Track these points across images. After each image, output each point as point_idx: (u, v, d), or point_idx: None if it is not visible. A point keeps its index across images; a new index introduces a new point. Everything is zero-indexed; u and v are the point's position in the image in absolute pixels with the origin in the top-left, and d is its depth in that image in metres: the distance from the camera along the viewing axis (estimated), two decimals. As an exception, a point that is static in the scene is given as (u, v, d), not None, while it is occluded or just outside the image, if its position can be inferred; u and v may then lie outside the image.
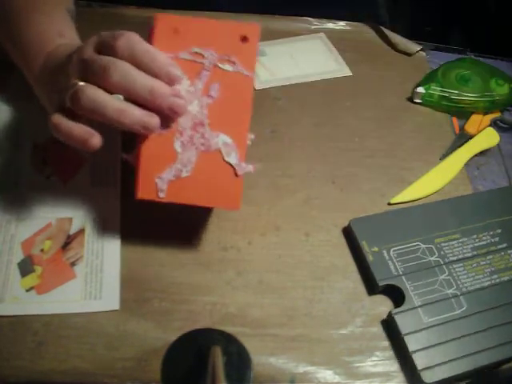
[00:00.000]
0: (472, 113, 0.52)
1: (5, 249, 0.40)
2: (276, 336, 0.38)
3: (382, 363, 0.37)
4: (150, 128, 0.35)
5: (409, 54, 0.58)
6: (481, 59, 0.57)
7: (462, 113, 0.53)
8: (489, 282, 0.41)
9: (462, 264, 0.41)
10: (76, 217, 0.42)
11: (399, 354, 0.37)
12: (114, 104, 0.33)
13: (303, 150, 0.49)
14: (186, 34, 0.37)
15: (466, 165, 0.49)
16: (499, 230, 0.44)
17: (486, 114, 0.52)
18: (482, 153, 0.50)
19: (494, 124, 0.52)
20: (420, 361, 0.36)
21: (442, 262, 0.41)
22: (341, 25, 0.61)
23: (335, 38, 0.59)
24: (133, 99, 0.34)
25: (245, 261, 0.42)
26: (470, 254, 0.42)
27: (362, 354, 0.38)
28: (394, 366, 0.37)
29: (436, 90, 0.52)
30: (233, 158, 0.37)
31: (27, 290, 0.38)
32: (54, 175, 0.45)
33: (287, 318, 0.39)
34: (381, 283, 0.40)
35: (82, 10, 0.57)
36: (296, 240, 0.43)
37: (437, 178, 0.47)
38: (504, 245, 0.43)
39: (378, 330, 0.39)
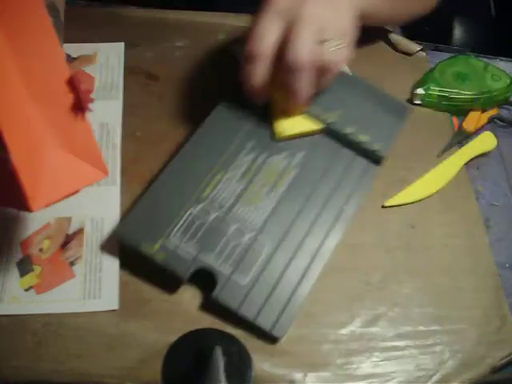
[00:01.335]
0: (470, 110, 0.52)
1: (4, 248, 0.40)
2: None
3: (381, 364, 0.38)
4: None
5: (409, 54, 0.58)
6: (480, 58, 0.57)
7: (462, 111, 0.53)
8: (272, 204, 0.40)
9: (240, 203, 0.39)
10: (75, 216, 0.42)
11: (242, 325, 0.37)
12: None
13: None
14: None
15: (466, 165, 0.49)
16: (250, 144, 0.42)
17: (483, 111, 0.53)
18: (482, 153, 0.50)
19: (492, 121, 0.52)
20: (264, 323, 0.36)
21: (223, 215, 0.39)
22: (341, 25, 0.61)
23: (335, 38, 0.59)
24: None
25: (245, 261, 0.41)
26: (242, 186, 0.40)
27: (361, 354, 0.38)
28: (393, 367, 0.37)
29: (435, 90, 0.52)
30: None
31: (26, 290, 0.38)
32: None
33: (287, 318, 0.39)
34: (185, 275, 0.36)
35: (82, 10, 0.57)
36: (296, 240, 0.43)
37: (433, 181, 0.47)
38: (264, 155, 0.42)
39: (378, 330, 0.39)
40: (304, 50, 0.37)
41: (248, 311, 0.36)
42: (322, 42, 0.38)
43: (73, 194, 0.31)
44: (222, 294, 0.36)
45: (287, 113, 0.43)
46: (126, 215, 0.38)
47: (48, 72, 0.30)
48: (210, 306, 0.37)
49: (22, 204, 0.29)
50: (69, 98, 0.31)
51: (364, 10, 0.43)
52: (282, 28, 0.38)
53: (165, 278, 0.39)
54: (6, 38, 0.28)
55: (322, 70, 0.39)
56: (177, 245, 0.37)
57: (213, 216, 0.39)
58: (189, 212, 0.39)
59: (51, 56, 0.30)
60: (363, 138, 0.43)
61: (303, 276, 0.38)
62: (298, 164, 0.42)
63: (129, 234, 0.38)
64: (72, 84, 0.30)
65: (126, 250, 0.38)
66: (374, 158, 0.44)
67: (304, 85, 0.38)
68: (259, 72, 0.39)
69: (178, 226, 0.38)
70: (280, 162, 0.42)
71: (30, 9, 0.29)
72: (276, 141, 0.42)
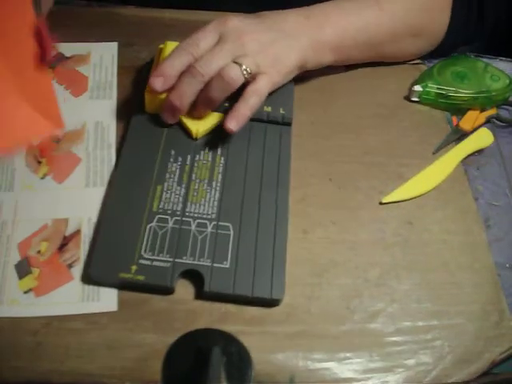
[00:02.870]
0: (468, 109, 0.52)
1: (1, 250, 0.40)
2: (275, 333, 0.38)
3: (381, 359, 0.38)
4: None
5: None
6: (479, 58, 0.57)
7: (460, 110, 0.53)
8: (218, 193, 0.43)
9: (189, 202, 0.42)
10: (72, 217, 0.42)
11: (240, 304, 0.38)
12: None
13: (300, 148, 0.49)
14: None
15: (466, 165, 0.49)
16: (173, 152, 0.45)
17: (482, 111, 0.53)
18: (482, 153, 0.50)
19: (490, 121, 0.52)
20: (262, 292, 0.38)
21: (179, 217, 0.41)
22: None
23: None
24: None
25: (243, 259, 0.42)
26: (184, 189, 0.42)
27: (360, 350, 0.38)
28: (393, 362, 0.38)
29: (433, 87, 0.52)
30: None
31: (25, 292, 0.38)
32: (49, 175, 0.44)
33: (286, 315, 0.39)
34: (171, 284, 0.38)
35: (81, 10, 0.57)
36: (294, 237, 0.43)
37: (430, 177, 0.47)
38: (190, 156, 0.44)
39: (377, 326, 0.39)
40: (213, 62, 0.43)
41: (243, 289, 0.38)
42: (235, 62, 0.43)
43: (25, 144, 0.30)
44: (212, 284, 0.38)
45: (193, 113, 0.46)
46: (91, 257, 0.39)
47: (11, 16, 0.29)
48: (207, 298, 0.38)
49: None
50: (32, 48, 0.30)
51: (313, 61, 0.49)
52: (215, 40, 0.45)
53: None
54: None
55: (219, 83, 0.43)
56: (151, 259, 0.39)
57: (171, 222, 0.41)
58: (148, 227, 0.40)
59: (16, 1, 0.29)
60: (267, 109, 0.47)
61: (275, 236, 0.41)
62: (223, 151, 0.45)
63: (102, 271, 0.38)
64: (38, 34, 0.30)
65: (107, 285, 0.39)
66: (284, 122, 0.48)
67: (188, 89, 0.43)
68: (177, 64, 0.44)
69: (144, 242, 0.40)
70: (206, 155, 0.45)
71: None
72: (194, 140, 0.46)
